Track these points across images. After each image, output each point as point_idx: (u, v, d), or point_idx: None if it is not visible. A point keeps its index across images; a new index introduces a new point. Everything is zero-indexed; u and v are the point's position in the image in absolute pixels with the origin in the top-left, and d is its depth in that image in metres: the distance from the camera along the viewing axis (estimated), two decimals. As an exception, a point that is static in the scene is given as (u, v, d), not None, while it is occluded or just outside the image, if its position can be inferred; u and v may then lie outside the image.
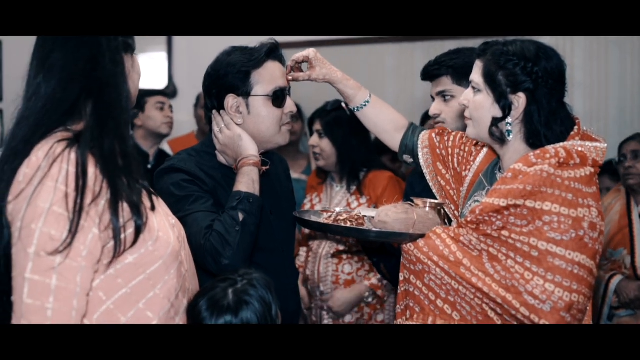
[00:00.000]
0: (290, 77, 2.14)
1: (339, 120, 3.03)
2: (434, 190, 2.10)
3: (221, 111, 2.08)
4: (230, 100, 2.05)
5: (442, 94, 2.30)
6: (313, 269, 3.09)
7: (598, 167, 1.71)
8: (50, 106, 1.41)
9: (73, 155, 1.34)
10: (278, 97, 2.07)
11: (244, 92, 2.04)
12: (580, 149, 1.69)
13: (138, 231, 1.39)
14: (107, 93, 1.43)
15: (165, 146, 4.39)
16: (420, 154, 2.12)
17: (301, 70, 2.20)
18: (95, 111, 1.42)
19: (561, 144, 1.71)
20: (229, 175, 2.05)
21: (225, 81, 2.05)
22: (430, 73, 2.34)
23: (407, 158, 2.18)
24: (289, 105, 2.11)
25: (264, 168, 2.04)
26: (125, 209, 1.37)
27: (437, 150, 2.08)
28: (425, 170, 2.11)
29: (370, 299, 2.99)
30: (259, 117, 2.06)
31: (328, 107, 3.10)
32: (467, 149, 2.02)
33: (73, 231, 1.29)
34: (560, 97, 1.77)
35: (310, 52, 2.16)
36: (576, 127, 1.76)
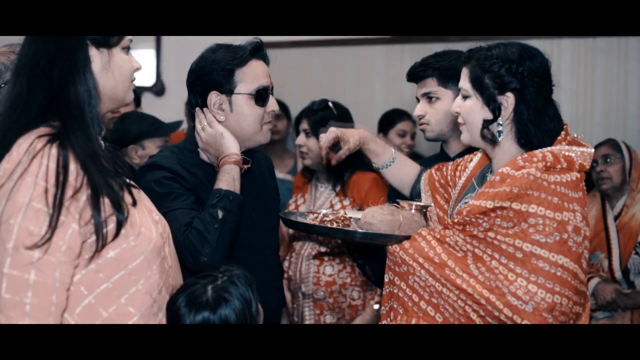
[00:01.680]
0: (334, 162, 2.18)
1: (326, 120, 3.02)
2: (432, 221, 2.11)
3: (204, 109, 2.08)
4: (213, 97, 2.05)
5: (427, 95, 2.32)
6: (295, 270, 3.09)
7: (584, 172, 1.74)
8: (18, 106, 1.41)
9: (54, 151, 1.34)
10: (261, 96, 2.07)
11: (227, 89, 2.05)
12: (567, 153, 1.72)
13: (119, 226, 1.39)
14: (65, 92, 1.43)
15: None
16: (422, 192, 2.15)
17: (335, 151, 2.23)
18: (58, 111, 1.42)
19: (549, 148, 1.73)
20: (211, 173, 2.06)
21: (209, 78, 2.05)
22: (416, 74, 2.35)
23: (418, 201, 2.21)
24: (272, 104, 2.12)
25: (245, 166, 2.05)
26: (106, 204, 1.37)
27: (436, 183, 2.12)
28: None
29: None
30: (241, 115, 2.07)
31: (315, 106, 3.08)
32: (461, 167, 2.05)
33: (52, 226, 1.29)
34: (548, 94, 1.79)
35: (334, 131, 2.18)
36: (563, 132, 1.78)
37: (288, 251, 3.22)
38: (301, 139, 3.10)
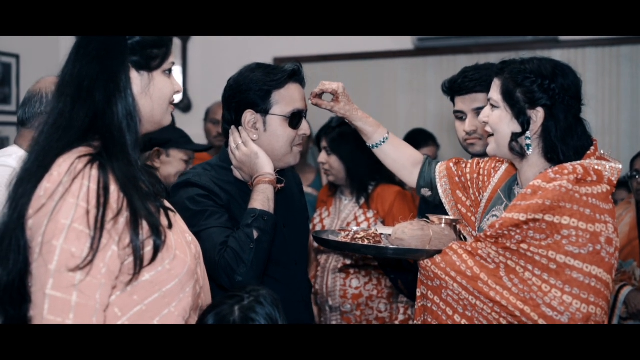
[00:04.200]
0: (313, 102, 2.17)
1: (344, 136, 3.04)
2: None
3: (239, 127, 2.10)
4: (248, 116, 2.07)
5: (479, 110, 2.26)
6: (322, 284, 3.10)
7: (613, 186, 1.74)
8: (60, 126, 1.41)
9: (94, 172, 1.34)
10: (295, 119, 2.10)
11: (263, 109, 2.07)
12: (596, 167, 1.72)
13: (156, 250, 1.38)
14: (108, 113, 1.42)
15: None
16: (438, 185, 2.15)
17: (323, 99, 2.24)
18: (100, 131, 1.42)
19: (579, 161, 1.74)
20: (244, 190, 2.08)
21: (246, 96, 2.07)
22: (468, 88, 2.32)
23: (426, 191, 2.20)
24: (304, 128, 2.14)
25: (279, 186, 2.06)
26: (144, 228, 1.37)
27: (456, 178, 2.12)
28: (444, 200, 2.13)
29: None
30: (274, 136, 2.09)
31: (333, 123, 3.11)
32: (485, 172, 2.05)
33: (94, 249, 1.29)
34: (577, 113, 1.80)
35: (339, 86, 2.19)
36: (592, 147, 1.79)
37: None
38: (323, 156, 3.12)
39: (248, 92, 2.07)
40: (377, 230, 1.95)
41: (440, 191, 2.14)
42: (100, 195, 1.32)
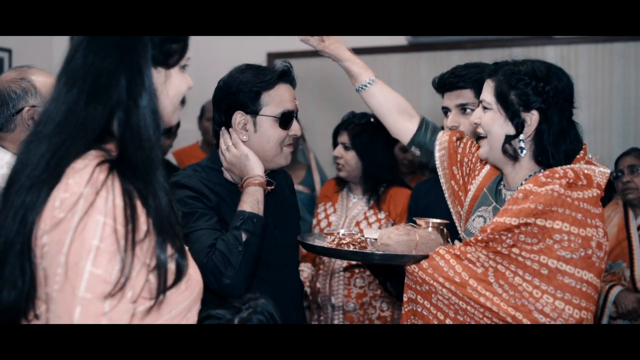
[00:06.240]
0: (302, 39, 2.19)
1: (367, 133, 3.02)
2: (446, 195, 2.09)
3: (229, 129, 2.09)
4: (238, 117, 2.06)
5: (463, 106, 2.28)
6: (325, 282, 3.09)
7: (602, 190, 1.74)
8: (70, 125, 1.25)
9: (117, 184, 1.20)
10: (285, 120, 2.09)
11: (253, 110, 2.06)
12: (586, 171, 1.72)
13: (179, 272, 1.28)
14: (134, 115, 1.27)
15: (170, 157, 4.39)
16: (437, 155, 2.10)
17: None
18: (122, 135, 1.27)
19: (569, 165, 1.73)
20: (234, 192, 2.06)
21: (236, 98, 2.06)
22: (452, 84, 2.31)
23: (415, 150, 2.18)
24: (295, 128, 2.13)
25: (269, 188, 2.05)
26: (168, 248, 1.27)
27: (458, 156, 2.08)
28: (440, 172, 2.10)
29: None
30: (264, 137, 2.08)
31: (356, 119, 3.08)
32: (474, 159, 2.03)
33: (125, 274, 1.17)
34: (570, 116, 1.79)
35: (324, 40, 2.22)
36: (582, 152, 1.79)
37: (305, 266, 3.22)
38: (339, 151, 3.10)
39: (237, 94, 2.06)
40: (363, 235, 1.95)
41: (437, 162, 2.10)
42: (128, 214, 1.19)
